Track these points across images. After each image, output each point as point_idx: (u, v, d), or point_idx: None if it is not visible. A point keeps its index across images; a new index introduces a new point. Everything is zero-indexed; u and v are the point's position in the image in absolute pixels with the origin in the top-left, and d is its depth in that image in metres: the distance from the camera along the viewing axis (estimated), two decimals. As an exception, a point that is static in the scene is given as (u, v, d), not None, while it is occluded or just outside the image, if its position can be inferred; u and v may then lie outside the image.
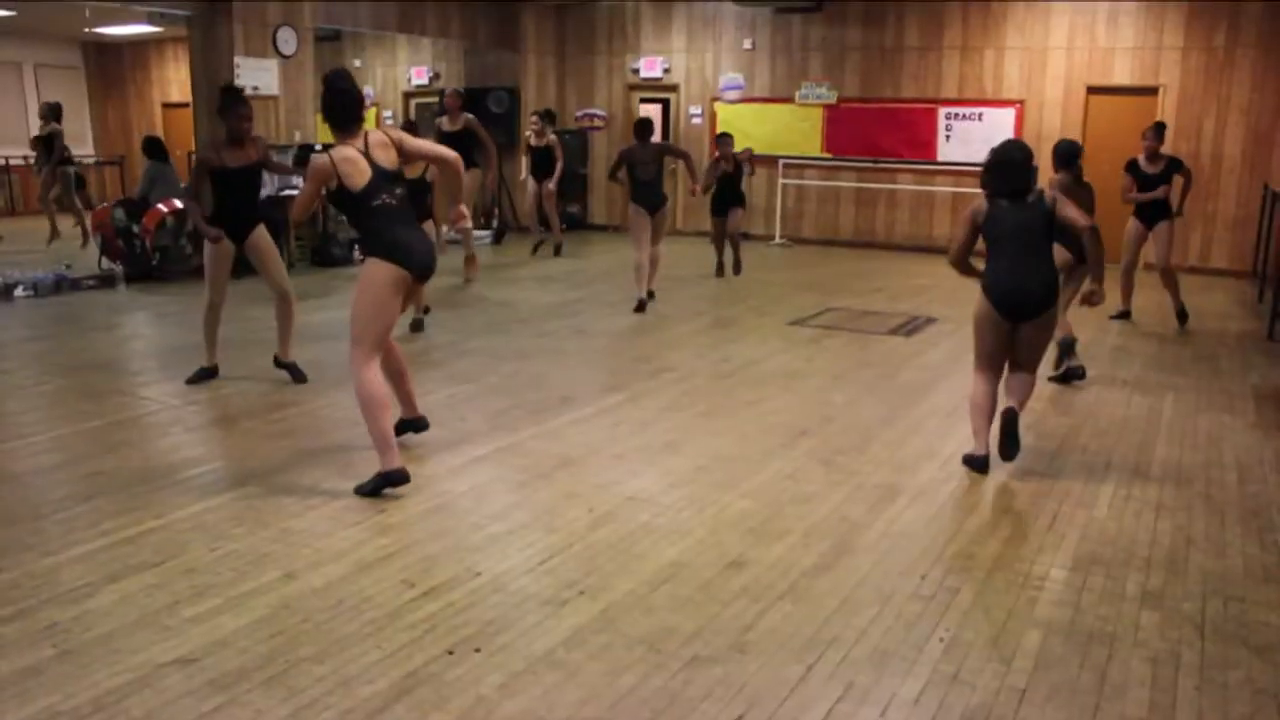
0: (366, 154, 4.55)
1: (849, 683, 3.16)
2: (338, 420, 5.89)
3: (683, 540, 4.21)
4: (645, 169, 9.24)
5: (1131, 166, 8.98)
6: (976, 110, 13.21)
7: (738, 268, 11.00)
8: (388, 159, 4.63)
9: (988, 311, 5.08)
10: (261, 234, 6.60)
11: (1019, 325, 5.05)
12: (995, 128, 12.94)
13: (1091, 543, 4.28)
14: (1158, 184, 8.77)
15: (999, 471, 5.12)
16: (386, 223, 4.58)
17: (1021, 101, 12.97)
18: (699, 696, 3.06)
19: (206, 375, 6.69)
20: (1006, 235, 5.06)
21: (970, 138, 13.15)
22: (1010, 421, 5.03)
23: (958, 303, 9.86)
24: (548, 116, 13.33)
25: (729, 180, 10.69)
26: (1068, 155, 7.08)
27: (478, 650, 3.30)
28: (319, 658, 3.26)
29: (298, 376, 6.69)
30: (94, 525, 4.32)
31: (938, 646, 3.39)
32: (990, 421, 5.16)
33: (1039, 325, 5.05)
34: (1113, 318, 9.13)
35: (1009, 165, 5.07)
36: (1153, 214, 8.84)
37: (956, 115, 13.30)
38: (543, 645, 3.34)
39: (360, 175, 4.51)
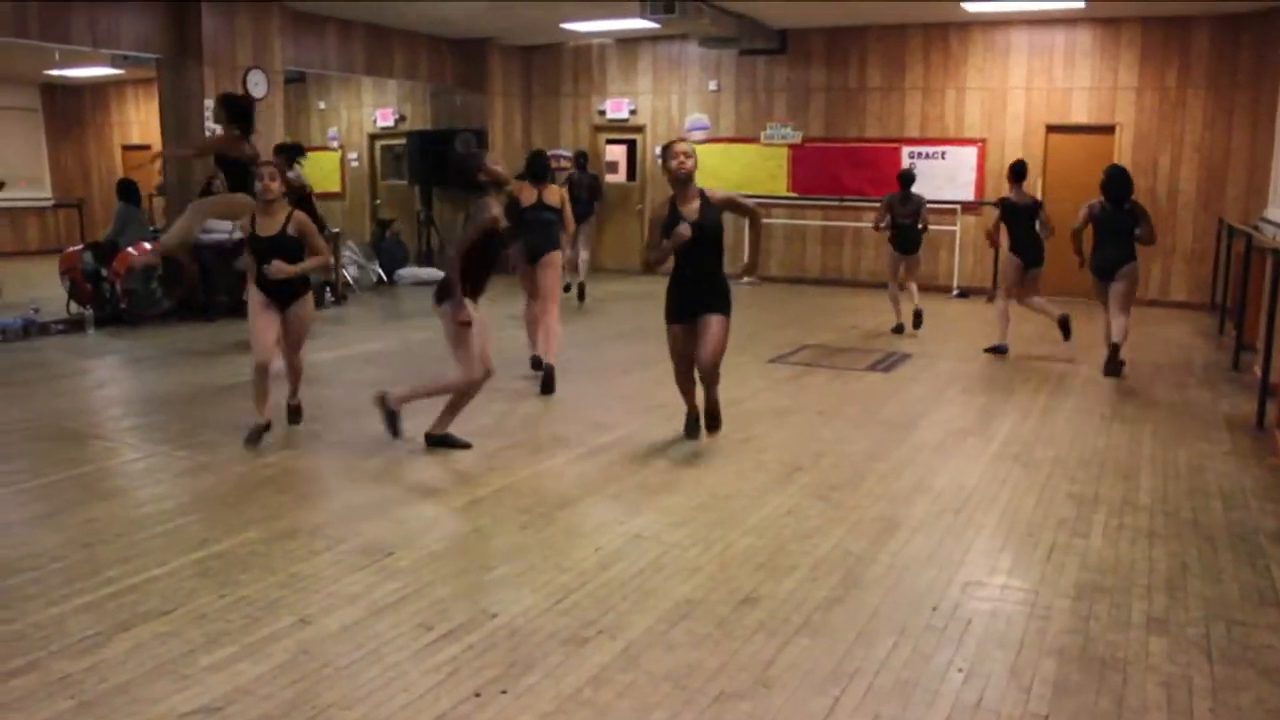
0: (539, 191, 7.97)
1: (875, 715, 3.19)
2: (333, 466, 5.87)
3: (693, 577, 4.24)
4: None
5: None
6: (939, 149, 13.47)
7: (713, 421, 6.20)
8: (549, 197, 8.00)
9: (1091, 278, 8.46)
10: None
11: (1109, 282, 8.26)
12: (958, 166, 13.24)
13: (1091, 571, 4.36)
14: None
15: (993, 503, 5.21)
16: (525, 229, 7.85)
17: (983, 140, 13.26)
18: (731, 732, 3.08)
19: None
20: (1104, 227, 8.26)
21: (934, 176, 13.38)
22: (1113, 350, 8.32)
23: (931, 340, 10.03)
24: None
25: (697, 245, 5.77)
26: (903, 179, 10.21)
27: (504, 692, 3.30)
28: (345, 704, 3.24)
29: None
30: (96, 573, 4.27)
31: (957, 677, 3.43)
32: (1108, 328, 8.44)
33: (1119, 280, 8.24)
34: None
35: (1113, 181, 8.25)
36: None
37: (920, 154, 13.55)
38: (569, 685, 3.34)
39: (528, 200, 7.91)
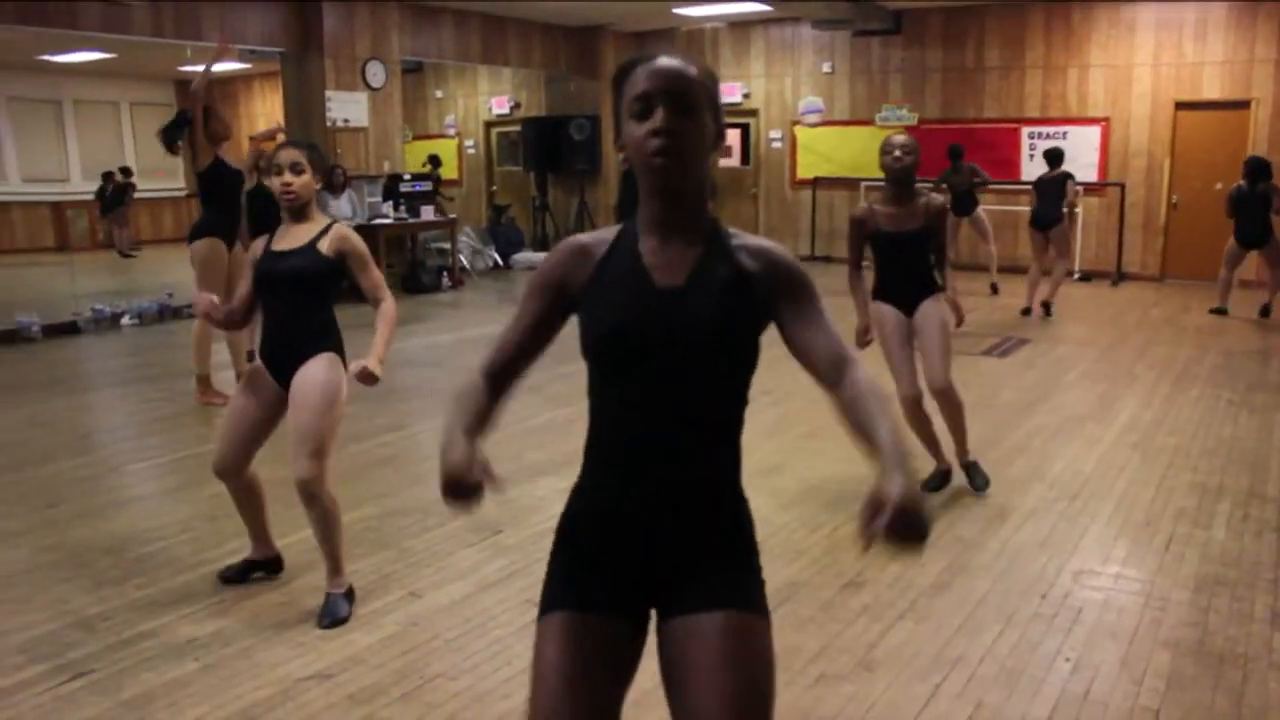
0: None
1: (978, 701, 3.15)
2: (436, 442, 6.02)
3: (799, 560, 4.24)
4: None
5: None
6: (1061, 129, 13.08)
7: None
8: None
9: (1232, 242, 10.11)
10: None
11: (1250, 249, 10.08)
12: (1081, 146, 12.84)
13: (1213, 563, 4.21)
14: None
15: (1109, 491, 5.07)
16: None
17: (1107, 119, 12.83)
18: (831, 714, 3.08)
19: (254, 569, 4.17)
20: (1240, 205, 9.94)
21: (1055, 156, 12.99)
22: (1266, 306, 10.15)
23: (1050, 324, 9.78)
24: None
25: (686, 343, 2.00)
26: (952, 152, 11.31)
27: (606, 667, 3.35)
28: (451, 674, 3.33)
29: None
30: (220, 545, 4.46)
31: (1065, 666, 3.37)
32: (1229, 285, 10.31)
33: (1267, 250, 10.04)
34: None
35: (1248, 167, 10.00)
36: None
37: (1041, 134, 13.19)
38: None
39: None
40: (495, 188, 17.64)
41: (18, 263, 15.25)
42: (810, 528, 4.59)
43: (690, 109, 1.73)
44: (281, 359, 3.81)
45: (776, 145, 15.23)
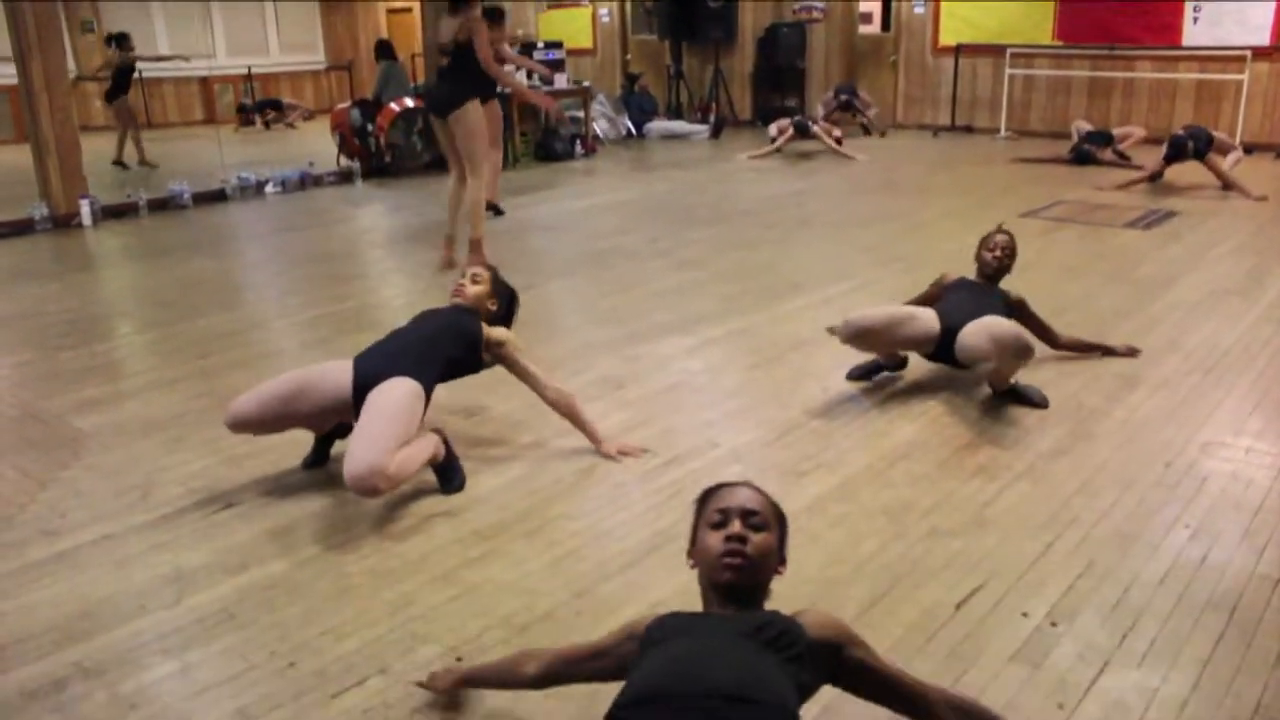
0: None
1: (1089, 561, 3.15)
2: (573, 305, 6.14)
3: (918, 420, 4.25)
4: None
5: None
6: (1229, -12, 12.21)
7: None
8: None
9: None
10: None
11: None
12: (1249, 6, 11.96)
13: (1354, 438, 4.07)
14: None
15: (1249, 365, 4.89)
16: None
17: (1283, -24, 11.90)
18: (939, 565, 3.12)
19: None
20: None
21: (1222, 18, 12.17)
22: None
23: (1200, 196, 9.32)
24: None
25: None
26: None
27: (720, 514, 3.45)
28: (572, 515, 3.49)
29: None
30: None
31: (1184, 533, 3.32)
32: None
33: None
34: None
35: None
36: None
37: (1205, -6, 12.35)
38: (784, 510, 3.45)
39: None
40: (629, 56, 17.44)
41: (169, 136, 15.80)
42: (930, 390, 4.58)
43: (761, 526, 2.12)
44: (372, 375, 3.63)
45: (919, 10, 14.62)
